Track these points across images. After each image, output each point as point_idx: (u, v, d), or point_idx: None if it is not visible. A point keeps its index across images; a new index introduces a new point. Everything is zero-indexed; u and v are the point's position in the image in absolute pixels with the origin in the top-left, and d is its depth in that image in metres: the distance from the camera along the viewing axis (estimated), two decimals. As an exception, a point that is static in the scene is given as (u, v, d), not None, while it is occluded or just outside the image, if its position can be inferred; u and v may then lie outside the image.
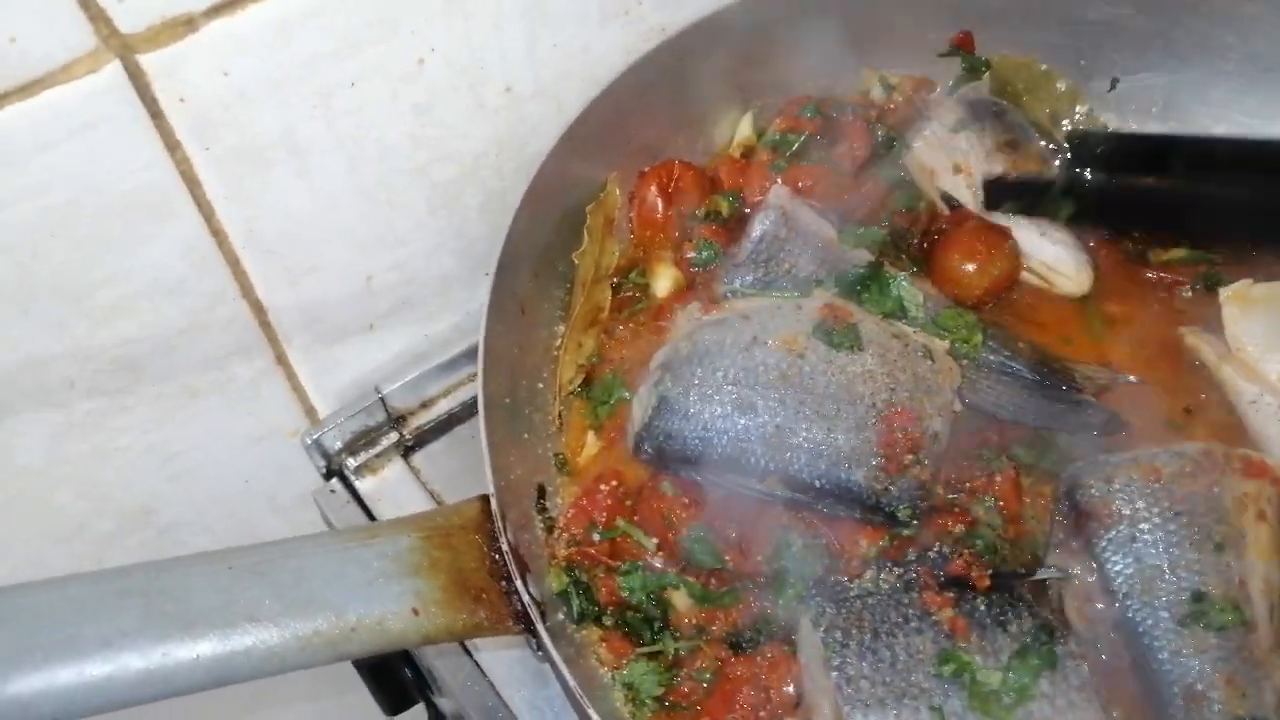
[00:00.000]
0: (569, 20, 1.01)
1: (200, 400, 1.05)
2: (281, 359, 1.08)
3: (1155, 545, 0.88)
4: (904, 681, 0.79)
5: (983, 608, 0.84)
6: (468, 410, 1.16)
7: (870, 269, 1.02)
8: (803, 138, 1.15)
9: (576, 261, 1.07)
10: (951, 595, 0.85)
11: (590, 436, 1.03)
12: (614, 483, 0.97)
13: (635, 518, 0.95)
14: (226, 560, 0.71)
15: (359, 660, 1.12)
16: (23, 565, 1.06)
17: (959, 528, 0.92)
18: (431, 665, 1.01)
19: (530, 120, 1.05)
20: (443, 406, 1.16)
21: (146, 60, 0.78)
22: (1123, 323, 1.07)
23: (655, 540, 0.93)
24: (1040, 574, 0.89)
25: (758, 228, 1.05)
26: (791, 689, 0.87)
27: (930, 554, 0.89)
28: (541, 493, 0.99)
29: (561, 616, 0.91)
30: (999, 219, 1.10)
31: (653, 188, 1.12)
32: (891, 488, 0.90)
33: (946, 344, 0.99)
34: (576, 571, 0.92)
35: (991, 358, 1.02)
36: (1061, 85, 1.20)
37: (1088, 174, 1.14)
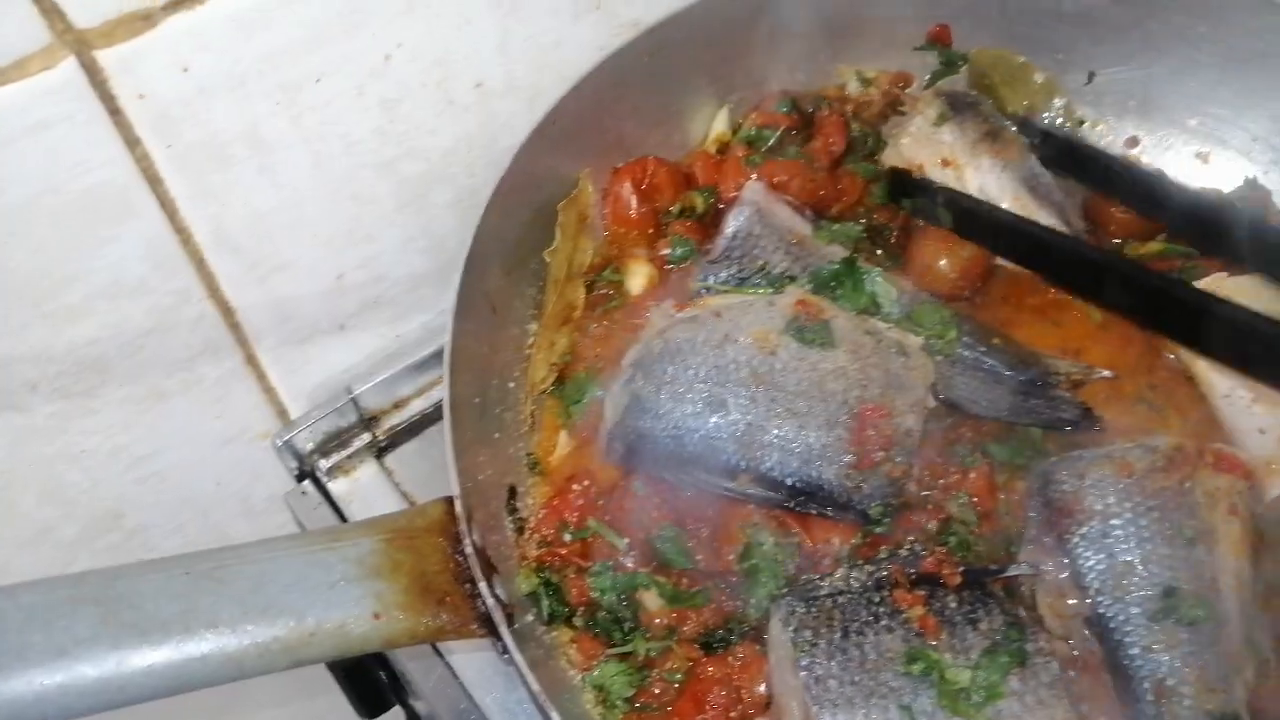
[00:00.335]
0: (540, 15, 1.00)
1: (168, 401, 1.03)
2: (251, 359, 1.07)
3: (1127, 541, 0.87)
4: (873, 680, 0.78)
5: (953, 605, 0.83)
6: (441, 410, 1.14)
7: (844, 265, 1.01)
8: (778, 133, 1.14)
9: (548, 259, 1.06)
10: (923, 593, 0.84)
11: (563, 436, 1.02)
12: (586, 483, 0.96)
13: (607, 518, 0.94)
14: (184, 566, 0.70)
15: (334, 664, 1.12)
16: (-13, 570, 1.05)
17: (932, 525, 0.92)
18: (404, 668, 1.00)
19: (501, 116, 1.03)
20: (415, 407, 1.15)
21: (103, 56, 0.77)
22: (1098, 316, 1.07)
23: (626, 540, 0.92)
24: (1012, 570, 0.89)
25: (731, 224, 1.04)
26: (763, 689, 0.87)
27: (902, 551, 0.89)
28: (512, 493, 0.98)
29: (531, 618, 0.90)
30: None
31: (627, 184, 1.11)
32: (863, 485, 0.90)
33: (920, 340, 0.98)
34: (547, 572, 0.91)
35: (966, 353, 1.01)
36: (1039, 78, 1.20)
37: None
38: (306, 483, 1.12)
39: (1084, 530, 0.89)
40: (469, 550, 0.77)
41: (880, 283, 1.02)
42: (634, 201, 1.11)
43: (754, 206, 1.05)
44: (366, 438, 1.12)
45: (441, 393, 1.13)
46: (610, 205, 1.12)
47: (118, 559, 0.73)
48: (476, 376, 0.98)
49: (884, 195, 1.13)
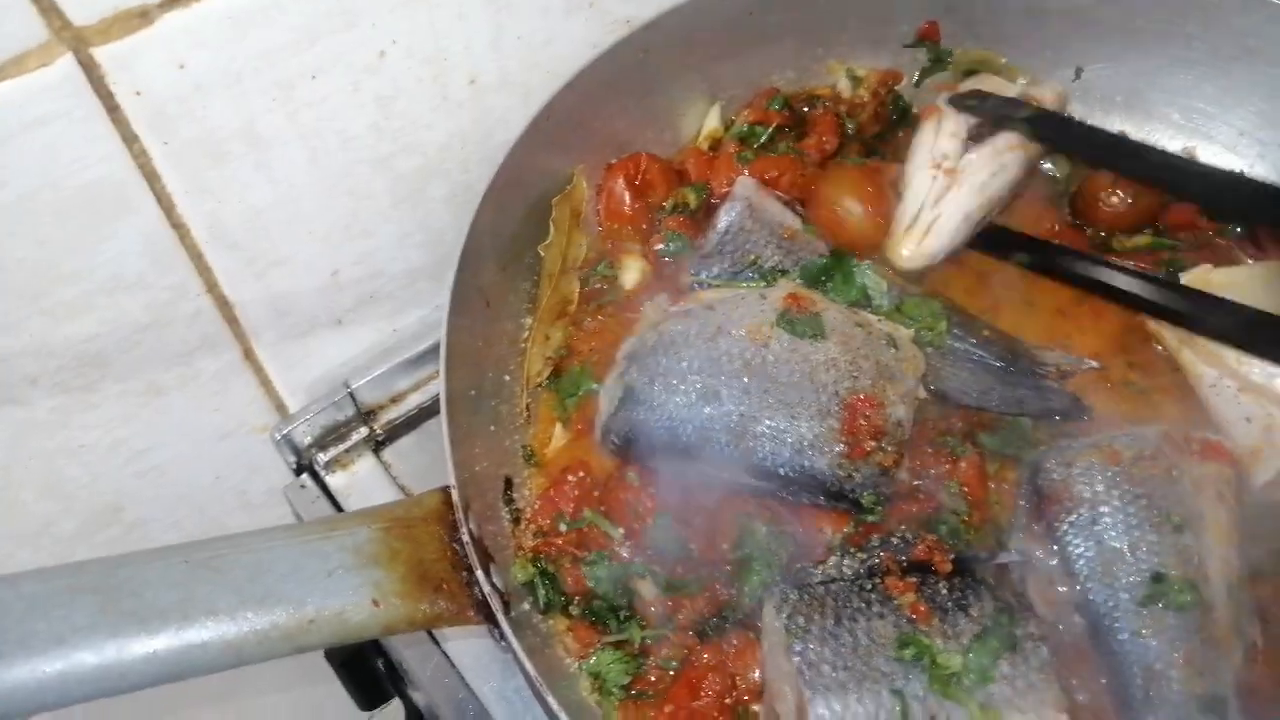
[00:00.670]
0: (533, 12, 1.00)
1: (167, 396, 1.04)
2: (249, 354, 1.08)
3: (1115, 528, 0.89)
4: (865, 665, 0.79)
5: (944, 591, 0.84)
6: (438, 404, 1.14)
7: (834, 258, 1.02)
8: (770, 130, 1.15)
9: (543, 254, 1.07)
10: (914, 580, 0.85)
11: (558, 429, 1.03)
12: (581, 474, 0.97)
13: (602, 508, 0.95)
14: (183, 555, 0.70)
15: (331, 655, 1.13)
16: (-12, 564, 1.06)
17: (923, 513, 0.93)
18: (401, 657, 1.01)
19: (496, 112, 1.04)
20: (413, 401, 1.15)
21: (100, 53, 0.77)
22: (1087, 309, 1.08)
23: (622, 530, 0.93)
24: (1003, 558, 0.90)
25: (723, 219, 1.05)
26: (757, 675, 0.88)
27: (894, 540, 0.90)
28: (509, 485, 0.99)
29: (528, 607, 0.91)
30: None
31: (620, 180, 1.13)
32: (855, 474, 0.90)
33: (911, 331, 0.99)
34: (543, 562, 0.92)
35: (956, 344, 1.02)
36: (1023, 80, 1.21)
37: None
38: (305, 476, 1.13)
39: (1073, 518, 0.90)
40: (465, 538, 0.77)
41: (871, 275, 1.03)
42: (628, 197, 1.12)
43: (746, 201, 1.06)
44: (364, 431, 1.13)
45: (438, 387, 1.15)
46: (604, 201, 1.13)
47: (117, 553, 0.74)
48: (472, 370, 0.98)
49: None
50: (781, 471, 0.91)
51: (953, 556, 0.87)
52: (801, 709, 0.79)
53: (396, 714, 1.16)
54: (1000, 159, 1.09)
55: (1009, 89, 1.15)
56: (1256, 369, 0.98)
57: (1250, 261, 1.09)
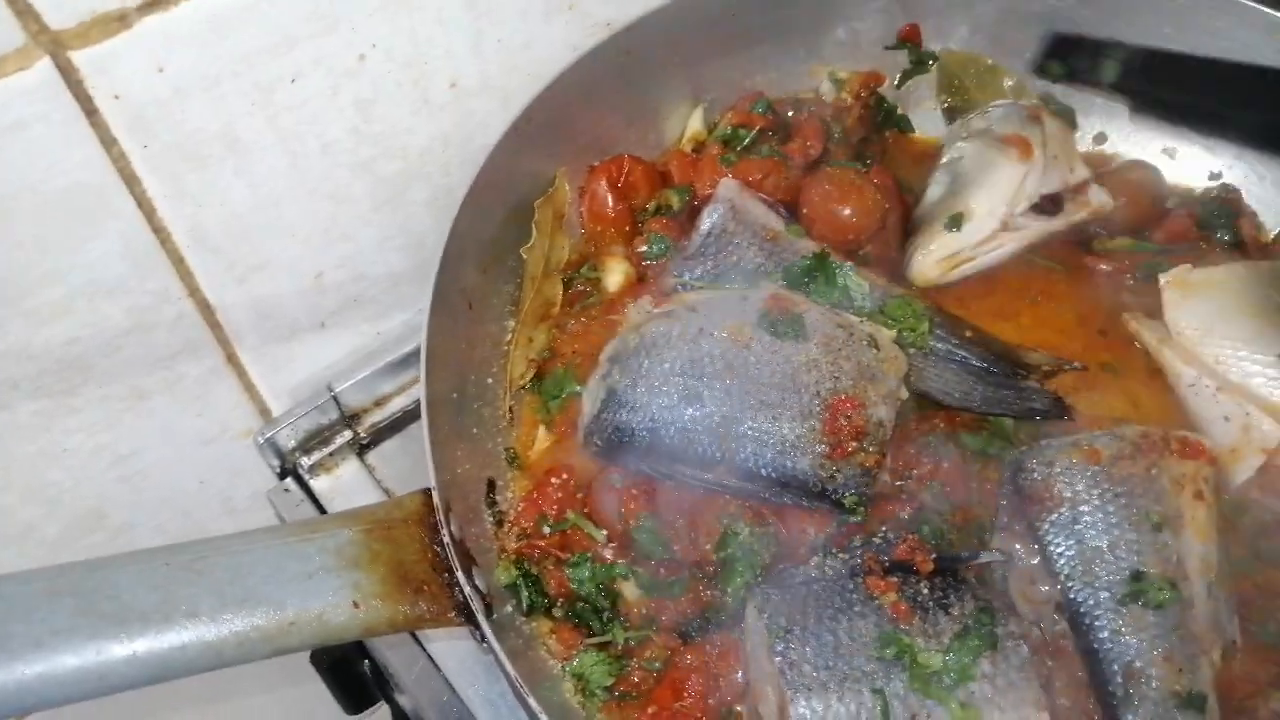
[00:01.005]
0: (513, 15, 1.01)
1: (150, 400, 1.04)
2: (232, 358, 1.08)
3: (1095, 527, 0.89)
4: (846, 665, 0.80)
5: (925, 591, 0.85)
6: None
7: (816, 259, 1.03)
8: (753, 133, 1.15)
9: (525, 256, 1.07)
10: (895, 580, 0.86)
11: (541, 431, 1.03)
12: (564, 476, 0.97)
13: (585, 510, 0.95)
14: (162, 557, 0.70)
15: (317, 659, 1.12)
16: (-30, 569, 1.05)
17: (905, 514, 0.93)
18: (386, 661, 1.01)
19: (477, 115, 1.05)
20: (396, 404, 1.15)
21: (78, 57, 0.77)
22: (1069, 310, 1.09)
23: (605, 532, 0.93)
24: (984, 557, 0.90)
25: (706, 221, 1.06)
26: (740, 676, 0.88)
27: (876, 540, 0.90)
28: (491, 487, 0.99)
29: (511, 609, 0.91)
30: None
31: (603, 182, 1.13)
32: (837, 475, 0.91)
33: (893, 333, 1.00)
34: (526, 564, 0.92)
35: (939, 345, 1.03)
36: (1009, 80, 1.22)
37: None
38: (289, 480, 1.12)
39: (1054, 517, 0.90)
40: (446, 540, 0.77)
41: (852, 277, 1.03)
42: (610, 199, 1.12)
43: (728, 204, 1.06)
44: (348, 435, 1.13)
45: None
46: (587, 203, 1.13)
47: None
48: (454, 372, 0.99)
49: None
50: (764, 472, 0.91)
51: (934, 556, 0.88)
52: (783, 709, 0.80)
53: (383, 718, 1.16)
54: (1044, 234, 1.10)
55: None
56: (1234, 368, 0.99)
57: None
